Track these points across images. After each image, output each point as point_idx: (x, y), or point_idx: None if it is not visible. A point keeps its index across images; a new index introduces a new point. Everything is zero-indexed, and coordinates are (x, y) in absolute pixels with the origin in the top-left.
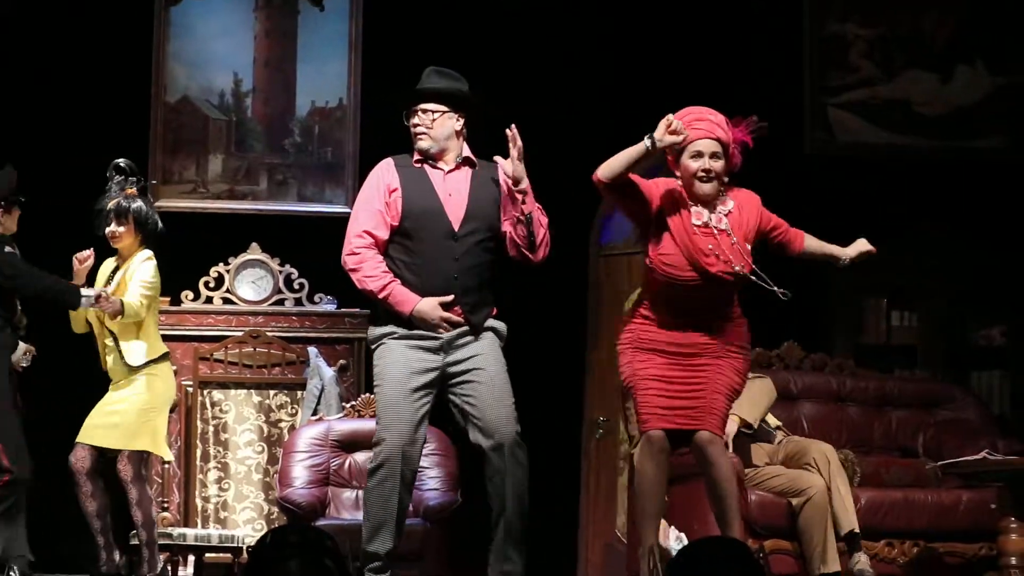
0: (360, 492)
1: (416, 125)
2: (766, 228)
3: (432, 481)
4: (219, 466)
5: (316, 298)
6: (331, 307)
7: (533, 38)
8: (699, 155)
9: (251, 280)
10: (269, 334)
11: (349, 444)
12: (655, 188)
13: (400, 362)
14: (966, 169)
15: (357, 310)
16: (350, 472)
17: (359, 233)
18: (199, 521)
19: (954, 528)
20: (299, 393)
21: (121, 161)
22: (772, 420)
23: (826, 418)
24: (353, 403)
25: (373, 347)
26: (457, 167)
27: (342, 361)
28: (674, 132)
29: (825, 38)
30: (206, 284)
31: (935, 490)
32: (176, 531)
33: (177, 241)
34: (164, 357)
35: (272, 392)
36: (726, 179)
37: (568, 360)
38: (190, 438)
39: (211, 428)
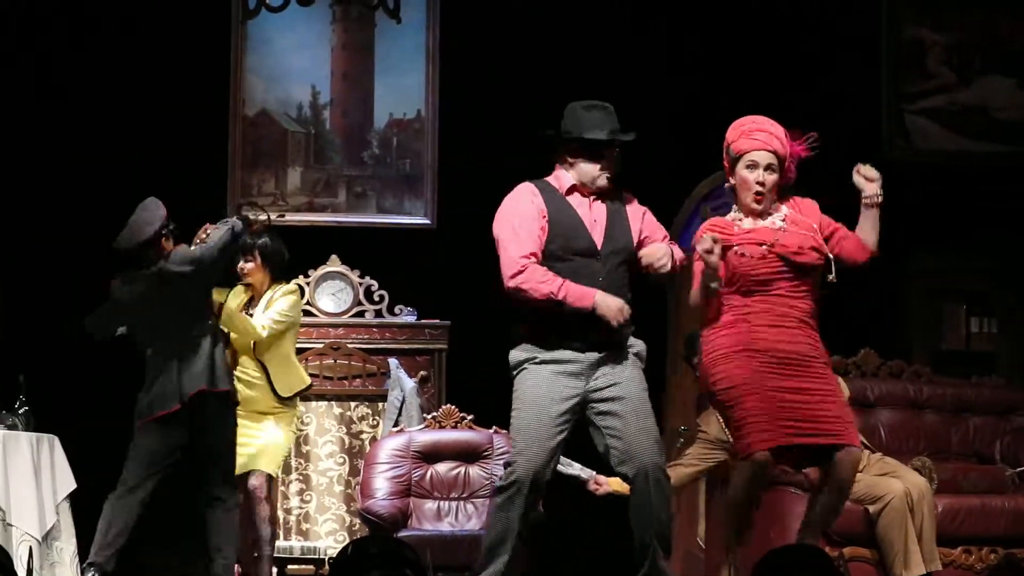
0: (441, 503)
1: (607, 169)
2: (827, 232)
3: None
4: (301, 478)
5: (396, 310)
6: (411, 318)
7: (611, 46)
8: (754, 165)
9: (331, 292)
10: (349, 346)
11: (430, 455)
12: (714, 248)
13: (542, 388)
14: None
15: (437, 321)
16: (431, 483)
17: (524, 255)
18: (281, 533)
19: None
20: (380, 405)
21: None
22: None
23: (903, 425)
24: (434, 414)
25: (515, 372)
26: (603, 195)
27: (423, 372)
28: (708, 251)
29: (903, 44)
30: None
31: (1012, 496)
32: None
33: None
34: (308, 388)
35: (353, 404)
36: (775, 194)
37: (647, 371)
38: None
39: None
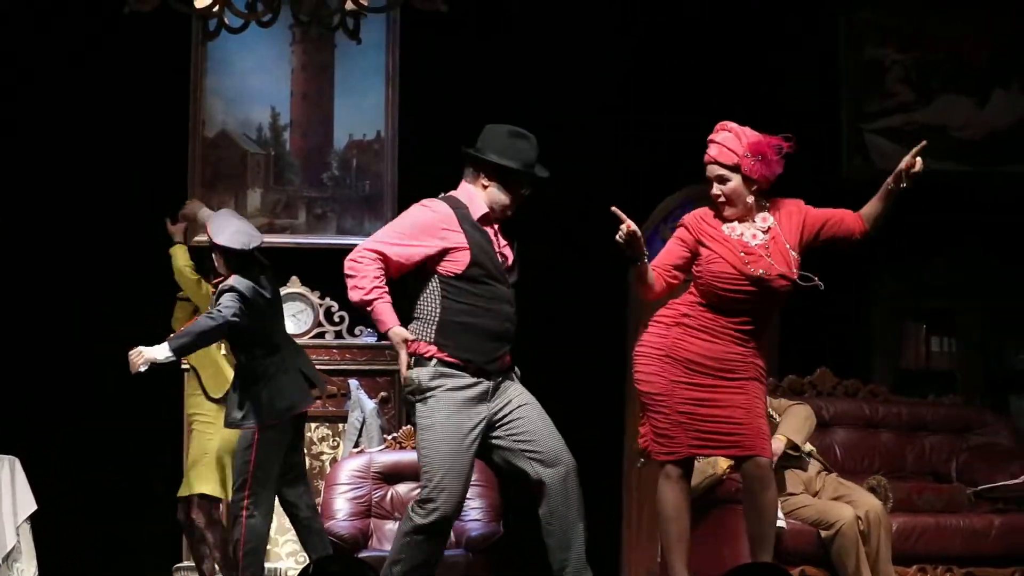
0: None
1: (517, 201)
2: (816, 225)
3: (474, 512)
4: None
5: (356, 331)
6: (371, 340)
7: (569, 69)
8: (709, 179)
9: (291, 313)
10: None
11: (391, 476)
12: (687, 240)
13: (452, 419)
14: (1003, 193)
15: None
16: (392, 504)
17: (376, 248)
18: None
19: (986, 553)
20: (340, 426)
21: None
22: (807, 446)
23: (859, 444)
24: (394, 435)
25: (419, 398)
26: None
27: (383, 393)
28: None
29: (862, 63)
30: None
31: (967, 515)
32: None
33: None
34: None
35: (313, 425)
36: (749, 197)
37: (608, 389)
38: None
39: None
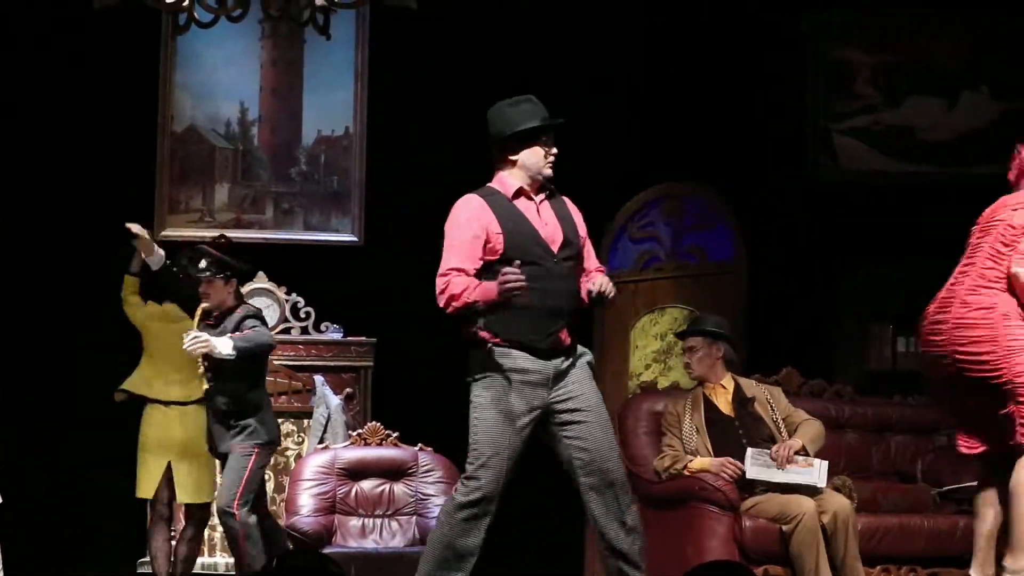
0: (366, 520)
1: (551, 154)
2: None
3: (438, 509)
4: None
5: (322, 327)
6: (337, 336)
7: (540, 66)
8: None
9: None
10: (275, 363)
11: (355, 472)
12: None
13: (504, 401)
14: (970, 195)
15: (363, 338)
16: (356, 500)
17: (443, 272)
18: (206, 550)
19: (950, 554)
20: (305, 421)
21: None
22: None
23: (824, 444)
24: (359, 431)
25: (476, 379)
26: (544, 198)
27: (348, 389)
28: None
29: (830, 64)
30: None
31: (932, 515)
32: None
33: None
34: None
35: (279, 420)
36: None
37: None
38: None
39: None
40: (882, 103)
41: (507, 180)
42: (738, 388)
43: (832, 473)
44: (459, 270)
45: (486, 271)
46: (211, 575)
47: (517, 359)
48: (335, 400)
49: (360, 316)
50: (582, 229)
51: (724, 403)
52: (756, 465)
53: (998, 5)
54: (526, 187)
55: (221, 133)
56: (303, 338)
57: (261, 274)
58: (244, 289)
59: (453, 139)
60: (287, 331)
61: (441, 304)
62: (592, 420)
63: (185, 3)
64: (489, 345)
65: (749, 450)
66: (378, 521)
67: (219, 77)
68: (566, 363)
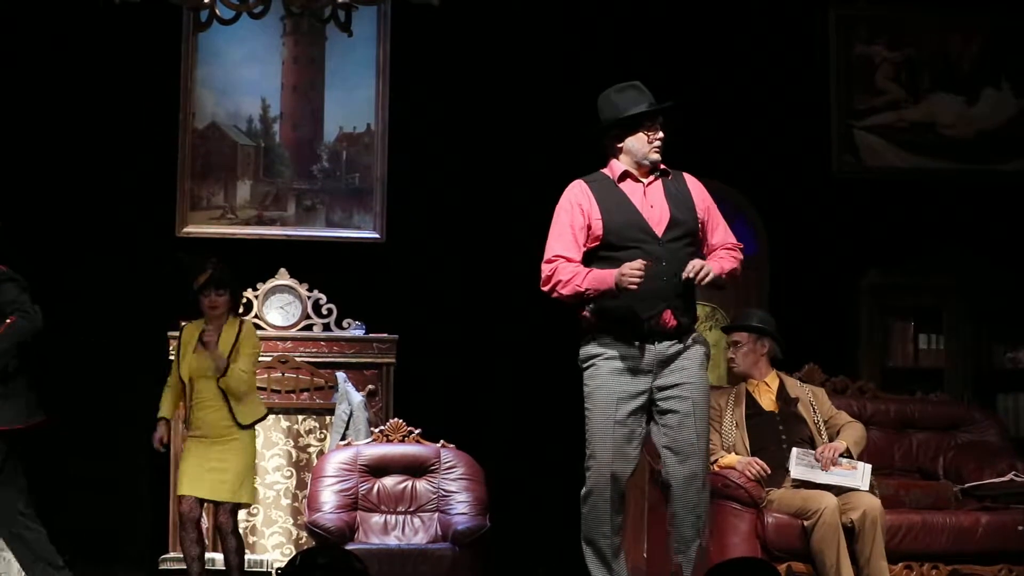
0: (388, 517)
1: (656, 139)
2: None
3: (460, 505)
4: None
5: (344, 323)
6: (359, 332)
7: (560, 64)
8: None
9: (279, 306)
10: (298, 359)
11: (378, 469)
12: None
13: (607, 387)
14: (992, 192)
15: (385, 335)
16: (379, 497)
17: (549, 259)
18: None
19: (973, 550)
20: (328, 418)
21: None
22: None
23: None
24: (381, 428)
25: (584, 366)
26: (655, 179)
27: (370, 386)
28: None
29: (852, 61)
30: None
31: (954, 512)
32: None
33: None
34: (264, 417)
35: (301, 417)
36: None
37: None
38: None
39: None
40: (904, 100)
41: (615, 165)
42: (782, 387)
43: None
44: (565, 257)
45: (591, 258)
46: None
47: (618, 345)
48: (357, 397)
49: (382, 313)
50: (701, 206)
51: (767, 401)
52: (801, 465)
53: (1020, 2)
54: (633, 171)
55: (243, 130)
56: (325, 335)
57: (283, 271)
58: (266, 285)
59: (474, 135)
60: (309, 327)
61: (545, 289)
62: (687, 411)
63: (207, 0)
64: (595, 331)
65: (795, 450)
66: (400, 518)
67: (241, 74)
68: (673, 348)
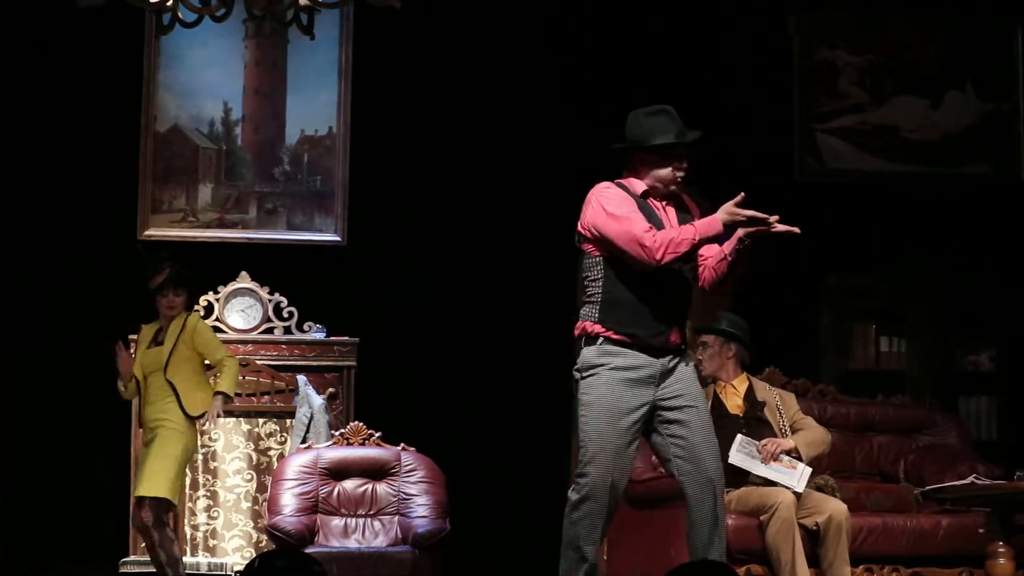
0: (349, 520)
1: (681, 169)
2: None
3: (421, 508)
4: (208, 494)
5: (305, 326)
6: (320, 335)
7: (523, 67)
8: None
9: (240, 308)
10: (258, 362)
11: (338, 472)
12: None
13: (612, 396)
14: (955, 195)
15: (346, 338)
16: (339, 500)
17: (646, 230)
18: (188, 549)
19: (933, 553)
20: (288, 421)
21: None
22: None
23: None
24: (342, 431)
25: (584, 375)
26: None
27: (331, 389)
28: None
29: (815, 65)
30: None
31: (914, 515)
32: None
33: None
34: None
35: (261, 420)
36: None
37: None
38: None
39: (200, 456)
40: (867, 103)
41: (635, 183)
42: (751, 390)
43: (815, 473)
44: (651, 228)
45: (607, 264)
46: (192, 575)
47: (628, 355)
48: (318, 400)
49: (343, 316)
50: None
51: (733, 404)
52: (741, 453)
53: (982, 6)
54: (651, 191)
55: (204, 133)
56: (286, 338)
57: (244, 274)
58: (227, 288)
59: (437, 139)
60: (270, 331)
61: (658, 256)
62: (694, 420)
63: (169, 2)
64: (601, 340)
65: (739, 436)
66: (360, 521)
67: (203, 77)
68: (673, 361)
